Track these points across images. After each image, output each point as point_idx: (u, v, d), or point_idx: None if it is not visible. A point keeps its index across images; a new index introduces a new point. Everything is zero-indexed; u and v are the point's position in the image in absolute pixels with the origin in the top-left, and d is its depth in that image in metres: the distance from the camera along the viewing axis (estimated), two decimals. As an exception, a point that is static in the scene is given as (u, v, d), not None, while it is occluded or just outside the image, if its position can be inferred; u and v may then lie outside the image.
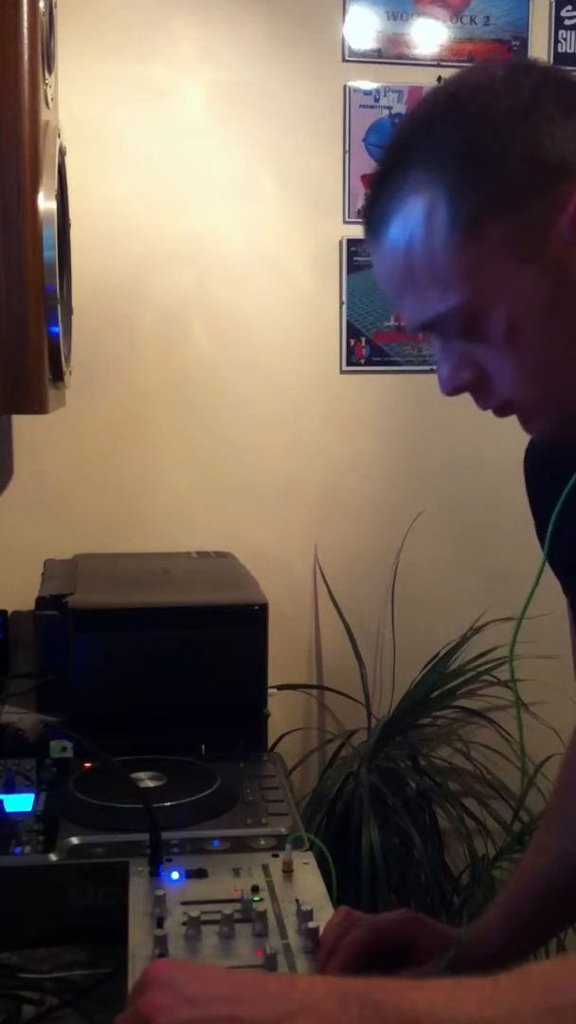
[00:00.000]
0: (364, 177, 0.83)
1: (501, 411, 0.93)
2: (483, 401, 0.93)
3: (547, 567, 1.02)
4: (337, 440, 2.40)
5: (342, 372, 2.39)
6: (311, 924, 1.08)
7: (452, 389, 0.93)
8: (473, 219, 0.85)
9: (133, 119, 2.24)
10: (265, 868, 1.23)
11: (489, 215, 0.85)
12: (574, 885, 1.17)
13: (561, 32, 2.42)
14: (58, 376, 1.45)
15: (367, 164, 2.29)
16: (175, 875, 1.21)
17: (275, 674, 1.77)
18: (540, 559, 1.00)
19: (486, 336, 0.88)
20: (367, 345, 2.38)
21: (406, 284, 0.90)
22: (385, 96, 2.34)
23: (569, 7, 2.42)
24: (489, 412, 0.94)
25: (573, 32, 2.42)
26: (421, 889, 2.22)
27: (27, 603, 1.81)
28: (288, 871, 1.22)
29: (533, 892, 1.18)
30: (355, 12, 2.33)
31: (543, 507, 1.07)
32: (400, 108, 2.33)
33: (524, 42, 2.40)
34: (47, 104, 1.40)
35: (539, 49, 2.41)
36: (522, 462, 1.13)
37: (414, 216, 0.87)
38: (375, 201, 0.91)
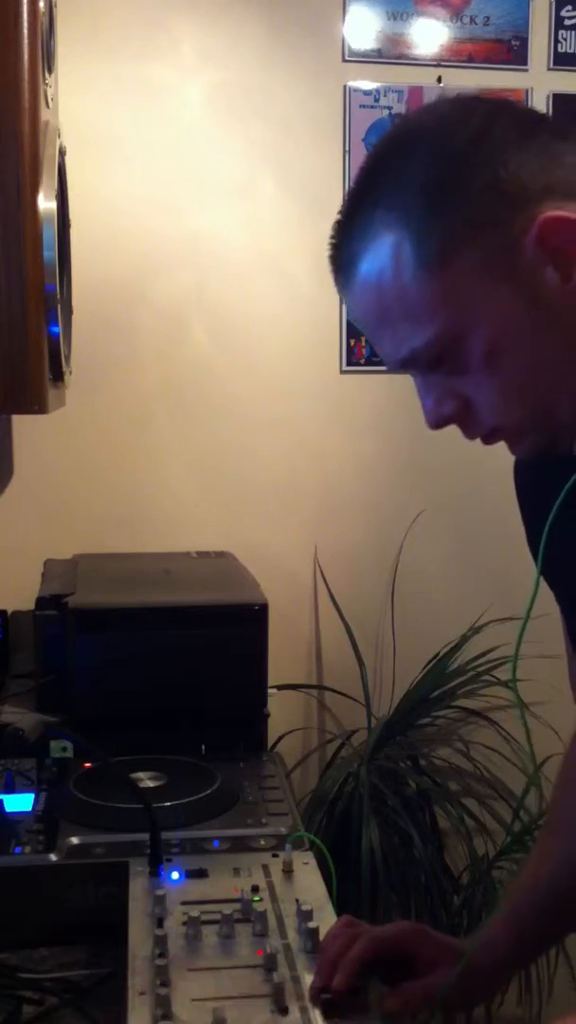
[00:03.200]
0: (338, 215, 0.84)
1: (488, 438, 0.95)
2: (470, 431, 0.94)
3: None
4: (337, 440, 2.40)
5: (342, 372, 2.39)
6: (311, 924, 1.08)
7: (437, 422, 0.94)
8: (439, 252, 0.87)
9: (133, 119, 2.24)
10: (265, 868, 1.23)
11: (455, 246, 0.87)
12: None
13: (561, 32, 2.42)
14: (58, 376, 1.45)
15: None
16: (175, 875, 1.21)
17: (275, 674, 1.77)
18: (534, 571, 1.00)
19: (465, 365, 0.90)
20: (367, 345, 2.38)
21: (381, 323, 0.92)
22: (385, 96, 2.34)
23: (569, 7, 2.41)
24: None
25: (573, 32, 2.42)
26: (421, 889, 2.22)
27: (27, 603, 1.81)
28: (288, 871, 1.22)
29: (538, 899, 1.17)
30: (355, 12, 2.32)
31: (536, 518, 1.08)
32: (400, 108, 2.33)
33: (524, 42, 2.40)
34: (47, 104, 1.40)
35: (539, 49, 2.41)
36: None
37: (381, 255, 0.89)
38: (342, 245, 0.93)
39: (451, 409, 0.93)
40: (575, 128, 0.91)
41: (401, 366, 0.93)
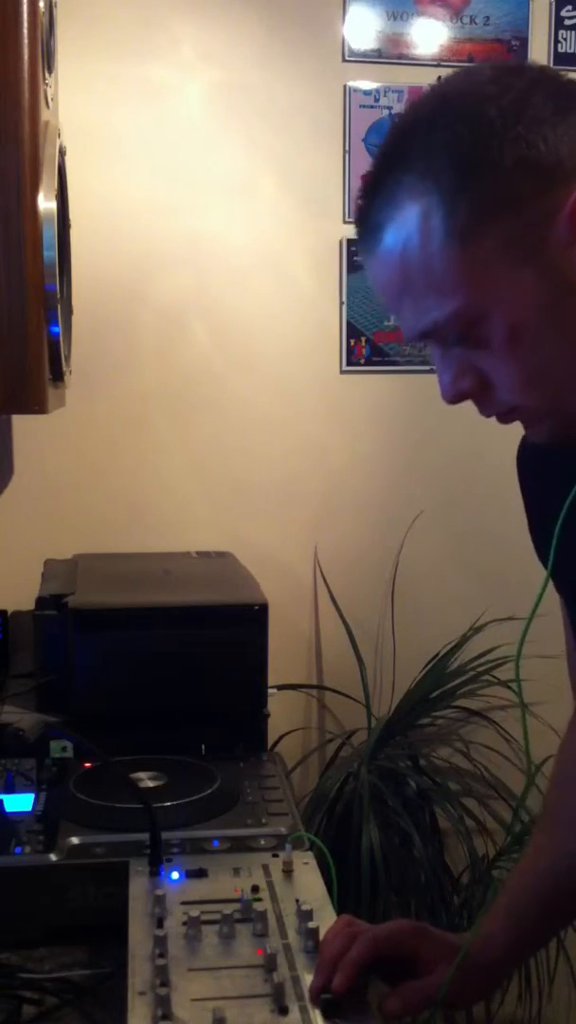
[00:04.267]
0: (364, 177, 0.83)
1: (504, 417, 0.92)
2: (486, 408, 0.92)
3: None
4: (337, 440, 2.40)
5: (342, 372, 2.39)
6: (311, 924, 1.08)
7: (454, 397, 0.92)
8: (469, 224, 0.84)
9: (133, 119, 2.24)
10: (265, 868, 1.23)
11: (485, 219, 0.84)
12: (575, 884, 1.17)
13: (561, 32, 2.42)
14: (58, 376, 1.45)
15: (367, 164, 2.27)
16: (175, 875, 1.21)
17: (275, 674, 1.76)
18: (542, 568, 0.99)
19: (486, 341, 0.87)
20: (367, 345, 2.38)
21: (403, 292, 0.89)
22: (385, 96, 2.34)
23: (569, 7, 2.41)
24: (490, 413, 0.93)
25: (573, 32, 2.42)
26: (421, 889, 2.22)
27: (27, 603, 1.81)
28: (288, 871, 1.22)
29: (535, 895, 1.17)
30: (355, 12, 2.32)
31: (538, 504, 1.07)
32: (400, 108, 2.33)
33: (524, 42, 2.40)
34: (47, 104, 1.40)
35: (539, 49, 2.41)
36: None
37: (409, 223, 0.86)
38: (368, 210, 0.90)
39: (468, 385, 0.91)
40: None
41: (421, 337, 0.91)
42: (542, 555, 1.02)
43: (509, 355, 0.87)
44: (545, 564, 1.02)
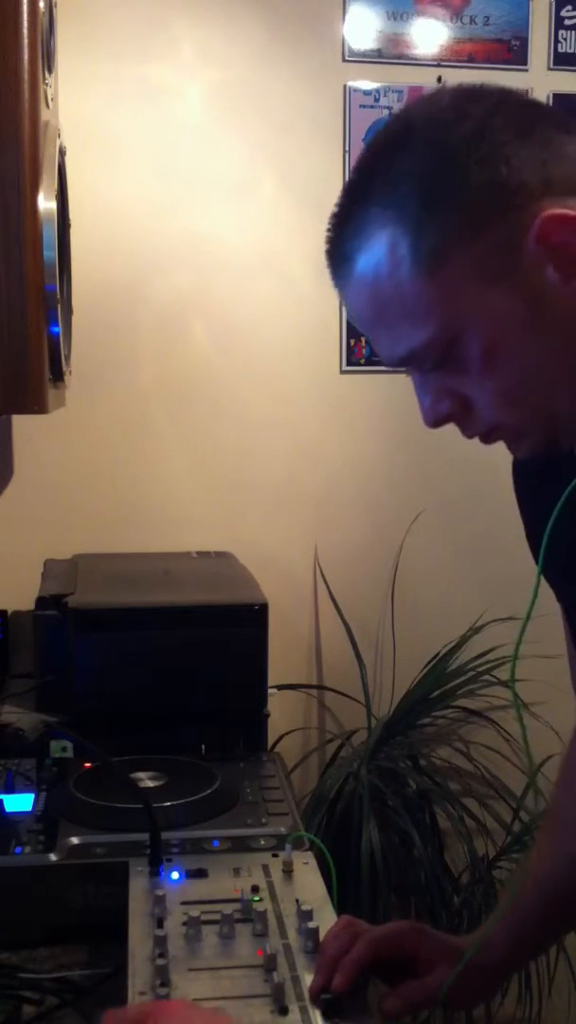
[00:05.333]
0: (335, 208, 0.84)
1: (487, 437, 0.93)
2: (468, 429, 0.93)
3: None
4: (337, 440, 2.40)
5: (342, 372, 2.39)
6: (311, 924, 1.08)
7: (435, 421, 0.93)
8: (437, 250, 0.85)
9: (133, 119, 2.24)
10: (265, 868, 1.23)
11: (453, 244, 0.85)
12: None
13: (561, 32, 2.42)
14: (58, 376, 1.45)
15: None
16: (175, 875, 1.21)
17: (275, 674, 1.77)
18: (535, 569, 0.99)
19: (463, 364, 0.88)
20: (367, 345, 2.38)
21: (377, 321, 0.91)
22: (385, 96, 2.34)
23: (569, 7, 2.41)
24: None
25: (573, 32, 2.42)
26: (421, 889, 2.22)
27: (27, 603, 1.81)
28: (288, 871, 1.22)
29: (537, 898, 1.17)
30: (355, 12, 2.32)
31: (534, 515, 1.07)
32: (400, 108, 2.33)
33: (524, 42, 2.40)
34: (47, 104, 1.40)
35: (539, 49, 2.41)
36: None
37: (377, 253, 0.87)
38: (338, 241, 0.91)
39: (448, 408, 0.92)
40: (575, 121, 0.88)
41: (398, 364, 0.92)
42: (538, 560, 1.03)
43: (487, 375, 0.88)
44: (547, 575, 1.02)
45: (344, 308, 2.33)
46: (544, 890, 1.17)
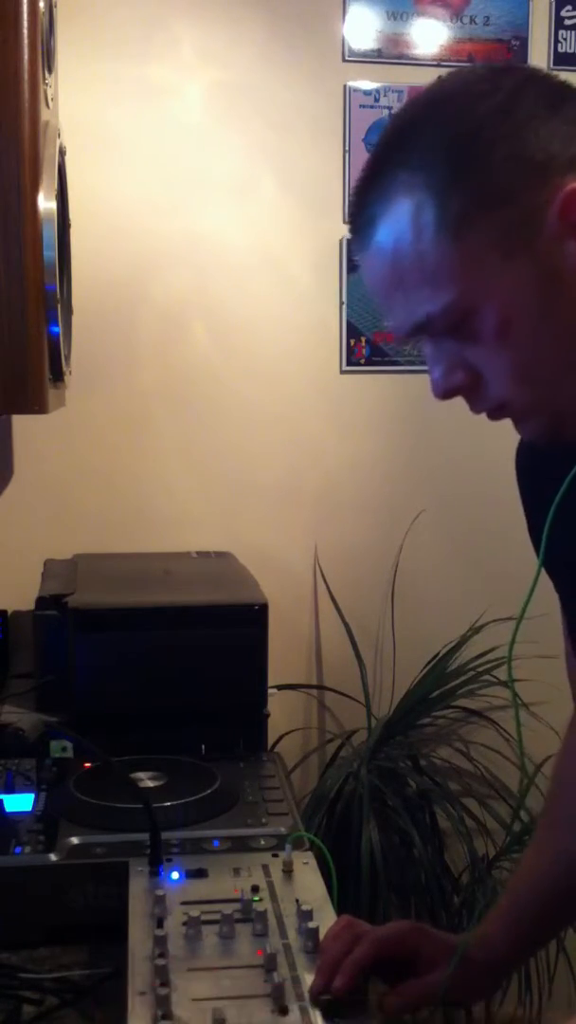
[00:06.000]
0: (360, 172, 0.84)
1: (495, 414, 0.93)
2: (477, 404, 0.93)
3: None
4: (337, 440, 2.40)
5: (342, 372, 2.39)
6: (311, 924, 1.08)
7: (445, 392, 0.92)
8: (460, 218, 0.85)
9: (133, 119, 2.24)
10: (265, 868, 1.23)
11: (476, 214, 0.85)
12: (575, 884, 1.18)
13: (561, 32, 2.42)
14: (58, 376, 1.45)
15: (367, 164, 2.29)
16: (175, 875, 1.21)
17: (275, 674, 1.76)
18: (536, 567, 0.99)
19: (478, 335, 0.88)
20: (367, 345, 2.38)
21: (396, 286, 0.90)
22: (385, 96, 2.34)
23: (569, 7, 2.41)
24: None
25: (573, 32, 2.42)
26: (421, 889, 2.22)
27: (27, 603, 1.81)
28: (288, 871, 1.22)
29: (535, 895, 1.18)
30: (355, 12, 2.32)
31: (536, 505, 1.07)
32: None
33: (524, 42, 2.40)
34: (47, 104, 1.40)
35: (539, 49, 2.41)
36: None
37: (401, 218, 0.88)
38: (362, 205, 0.91)
39: (460, 380, 0.91)
40: None
41: (413, 331, 0.91)
42: (545, 557, 1.03)
43: (501, 347, 0.88)
44: (548, 566, 1.02)
45: (344, 310, 2.35)
46: (542, 889, 1.17)
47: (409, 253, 0.88)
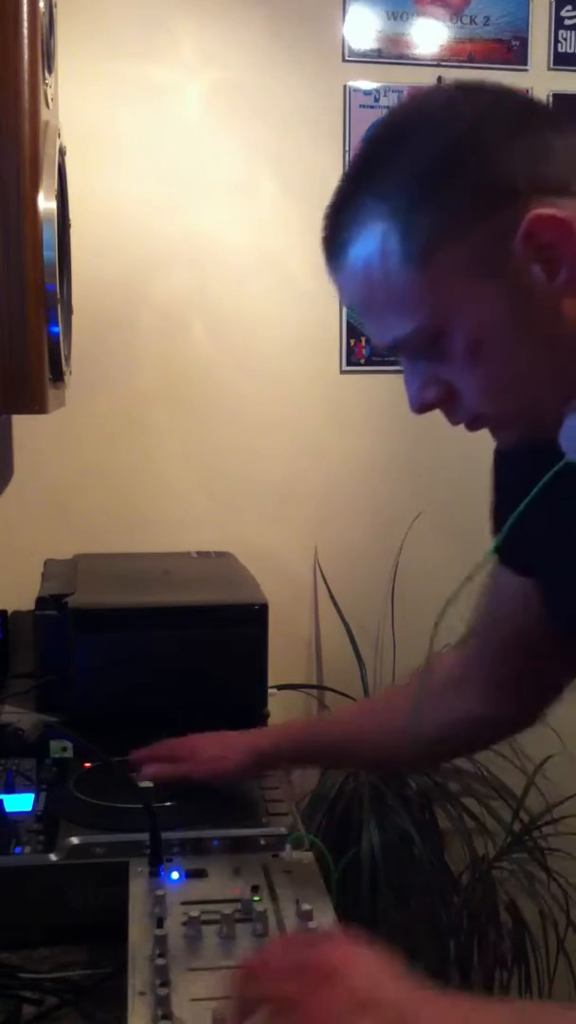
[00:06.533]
0: (332, 197, 0.86)
1: (471, 425, 0.96)
2: (453, 416, 0.96)
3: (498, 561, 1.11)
4: (337, 440, 2.40)
5: (342, 372, 2.39)
6: (311, 924, 1.08)
7: (420, 407, 0.96)
8: (427, 244, 0.87)
9: (133, 119, 2.24)
10: (265, 868, 1.23)
11: (443, 240, 0.87)
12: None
13: (561, 32, 2.42)
14: (58, 376, 1.45)
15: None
16: (175, 875, 1.21)
17: (275, 674, 1.77)
18: (490, 544, 1.06)
19: (449, 354, 0.90)
20: (367, 345, 2.38)
21: (367, 309, 0.93)
22: (385, 96, 2.34)
23: (569, 7, 2.41)
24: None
25: (573, 32, 2.42)
26: (421, 889, 2.22)
27: (27, 603, 1.81)
28: (288, 871, 1.22)
29: (326, 733, 1.45)
30: (355, 12, 2.32)
31: (506, 498, 1.09)
32: (398, 103, 2.33)
33: (524, 42, 2.40)
34: (47, 104, 1.40)
35: (539, 49, 2.41)
36: None
37: (370, 244, 0.90)
38: (332, 230, 0.94)
39: (434, 395, 0.94)
40: (570, 121, 0.90)
41: (386, 351, 0.94)
42: (507, 554, 1.10)
43: (472, 367, 0.91)
44: (510, 560, 1.11)
45: (344, 310, 2.35)
46: (333, 734, 1.45)
47: (378, 278, 0.90)
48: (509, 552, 1.09)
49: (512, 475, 1.04)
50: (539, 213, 0.85)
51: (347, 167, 0.95)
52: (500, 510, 1.12)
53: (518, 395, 0.92)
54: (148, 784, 1.44)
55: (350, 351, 2.38)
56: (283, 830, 1.34)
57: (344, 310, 2.36)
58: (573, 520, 0.99)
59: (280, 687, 2.25)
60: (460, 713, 1.29)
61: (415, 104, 0.94)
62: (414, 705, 1.22)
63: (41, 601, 1.74)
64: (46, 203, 1.30)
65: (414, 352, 0.92)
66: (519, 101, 0.91)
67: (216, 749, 1.38)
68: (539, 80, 2.39)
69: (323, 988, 0.77)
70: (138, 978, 1.01)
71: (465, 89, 0.92)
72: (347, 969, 0.79)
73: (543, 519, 0.97)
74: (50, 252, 1.31)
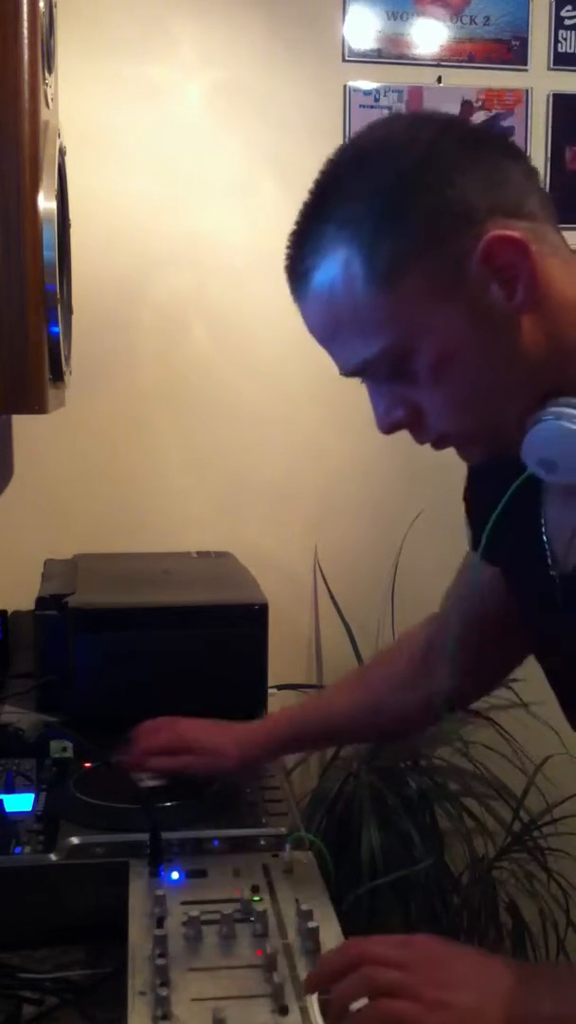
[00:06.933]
0: (294, 227, 0.87)
1: (437, 444, 1.00)
2: (419, 436, 1.00)
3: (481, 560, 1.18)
4: (337, 440, 2.40)
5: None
6: (311, 924, 1.08)
7: (388, 427, 1.00)
8: (388, 268, 0.90)
9: (133, 119, 2.24)
10: (265, 868, 1.23)
11: (404, 263, 0.90)
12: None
13: (561, 32, 2.42)
14: (58, 376, 1.45)
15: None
16: (175, 875, 1.21)
17: (275, 674, 1.77)
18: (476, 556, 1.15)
19: (414, 375, 0.93)
20: (367, 345, 2.38)
21: (332, 335, 0.96)
22: (385, 96, 2.34)
23: (569, 7, 2.41)
24: None
25: (573, 32, 2.42)
26: (421, 889, 2.22)
27: (27, 603, 1.81)
28: (288, 871, 1.22)
29: (322, 720, 1.45)
30: (355, 12, 2.32)
31: (478, 505, 1.19)
32: (400, 108, 2.33)
33: (524, 42, 2.40)
34: (47, 104, 1.40)
35: (539, 49, 2.41)
36: None
37: (332, 271, 0.92)
38: (296, 259, 0.96)
39: (400, 416, 0.98)
40: (519, 147, 0.96)
41: (352, 374, 0.98)
42: (488, 553, 1.16)
43: (436, 386, 0.94)
44: (493, 558, 1.18)
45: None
46: (329, 721, 1.46)
47: (342, 304, 0.92)
48: (485, 548, 1.14)
49: (483, 486, 1.13)
50: (496, 235, 0.88)
51: (307, 197, 0.98)
52: (474, 518, 1.23)
53: (481, 412, 0.95)
54: (149, 784, 1.44)
55: (350, 351, 2.38)
56: (283, 830, 1.34)
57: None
58: (533, 522, 1.05)
59: (280, 687, 2.25)
60: (427, 690, 1.36)
61: (371, 133, 0.97)
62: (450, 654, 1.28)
63: (41, 601, 1.74)
64: (46, 203, 1.30)
65: (380, 375, 0.96)
66: (471, 128, 0.98)
67: (212, 740, 1.40)
68: (539, 80, 2.39)
69: (428, 969, 0.85)
70: (138, 978, 1.01)
71: (420, 117, 0.97)
72: (447, 955, 0.87)
73: (510, 520, 1.03)
74: (50, 252, 1.31)
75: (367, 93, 2.34)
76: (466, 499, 1.27)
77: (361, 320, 0.92)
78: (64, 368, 1.48)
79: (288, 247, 0.97)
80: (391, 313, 0.91)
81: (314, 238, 0.94)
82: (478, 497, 1.18)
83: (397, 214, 0.89)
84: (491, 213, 0.89)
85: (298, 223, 0.97)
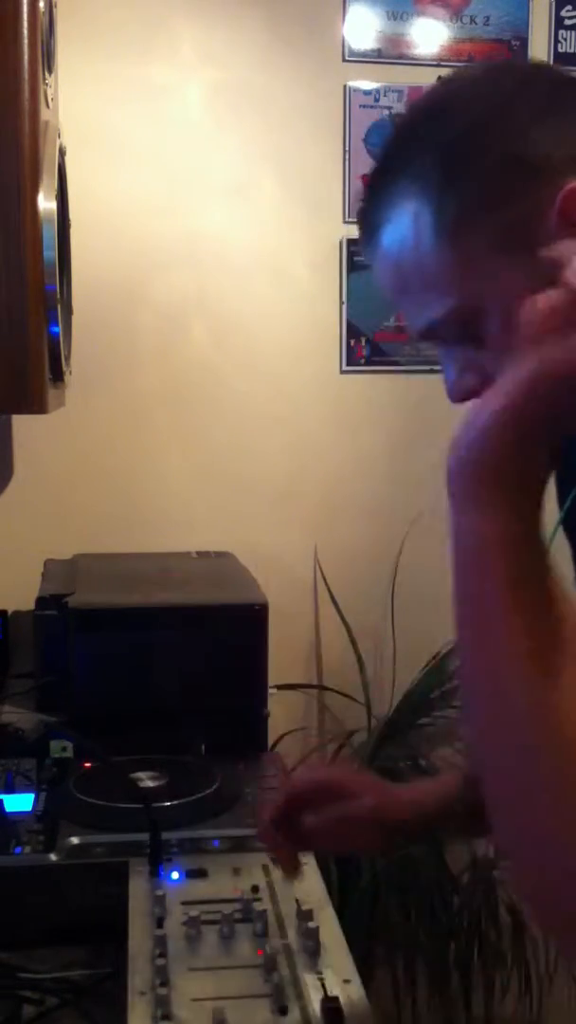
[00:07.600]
0: (364, 177, 0.85)
1: None
2: None
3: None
4: (337, 440, 2.40)
5: (342, 372, 2.39)
6: (311, 924, 1.08)
7: (459, 396, 0.93)
8: (457, 221, 0.86)
9: (133, 119, 2.24)
10: (265, 868, 1.23)
11: (473, 217, 0.85)
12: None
13: (561, 32, 2.42)
14: (58, 376, 1.45)
15: (367, 164, 2.29)
16: (175, 875, 1.21)
17: (275, 674, 1.76)
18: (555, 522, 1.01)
19: (484, 338, 0.88)
20: (367, 345, 2.38)
21: (402, 292, 0.91)
22: (385, 96, 2.34)
23: (569, 7, 2.41)
24: None
25: (573, 32, 2.42)
26: (421, 889, 2.22)
27: (27, 603, 1.81)
28: (288, 871, 1.22)
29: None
30: (355, 12, 2.32)
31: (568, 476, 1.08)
32: (400, 108, 2.33)
33: (524, 42, 2.40)
34: (47, 104, 1.40)
35: (539, 49, 2.41)
36: None
37: (402, 225, 0.88)
38: (367, 212, 0.92)
39: (472, 382, 0.91)
40: None
41: (422, 336, 0.92)
42: (566, 522, 1.07)
43: (509, 348, 0.86)
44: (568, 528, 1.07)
45: (344, 309, 2.35)
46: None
47: (411, 259, 0.88)
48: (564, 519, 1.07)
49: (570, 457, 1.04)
50: (574, 187, 0.83)
51: (380, 149, 0.93)
52: (562, 482, 1.10)
53: None
54: (149, 784, 1.44)
55: (350, 351, 2.38)
56: (283, 830, 1.34)
57: (344, 309, 2.36)
58: None
59: (280, 687, 2.25)
60: None
61: (452, 80, 0.92)
62: None
63: (41, 601, 1.74)
64: (46, 203, 1.30)
65: (449, 336, 0.90)
66: (557, 78, 0.89)
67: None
68: (539, 80, 2.39)
69: None
70: (138, 978, 1.01)
71: (496, 68, 0.92)
72: None
73: None
74: (50, 252, 1.31)
75: (367, 93, 2.34)
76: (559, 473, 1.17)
77: (429, 277, 0.88)
78: (64, 368, 1.48)
79: (360, 200, 0.93)
80: (459, 270, 0.86)
81: (385, 191, 0.90)
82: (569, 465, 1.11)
83: (469, 164, 0.85)
84: (570, 165, 0.84)
85: (371, 175, 0.92)
